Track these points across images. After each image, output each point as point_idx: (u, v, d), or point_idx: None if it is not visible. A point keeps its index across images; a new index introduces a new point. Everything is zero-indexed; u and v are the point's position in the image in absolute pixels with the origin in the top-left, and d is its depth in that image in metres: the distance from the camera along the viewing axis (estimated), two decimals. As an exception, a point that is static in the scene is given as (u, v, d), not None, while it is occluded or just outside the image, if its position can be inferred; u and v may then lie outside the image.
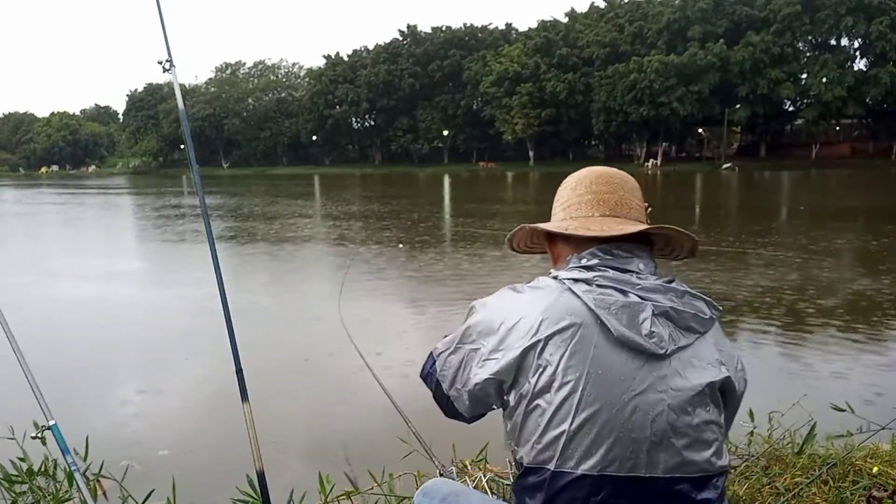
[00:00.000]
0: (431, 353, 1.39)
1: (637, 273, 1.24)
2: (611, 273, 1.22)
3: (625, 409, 1.13)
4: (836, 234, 14.23)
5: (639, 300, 1.18)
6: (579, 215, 1.33)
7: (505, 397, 1.24)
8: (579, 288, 1.19)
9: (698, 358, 1.20)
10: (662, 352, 1.16)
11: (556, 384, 1.15)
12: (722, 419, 1.24)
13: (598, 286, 1.19)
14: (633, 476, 1.15)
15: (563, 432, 1.14)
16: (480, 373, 1.24)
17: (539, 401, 1.17)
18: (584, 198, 1.34)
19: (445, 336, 1.40)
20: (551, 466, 1.16)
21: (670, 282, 1.25)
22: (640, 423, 1.14)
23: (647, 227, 1.31)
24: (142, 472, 3.06)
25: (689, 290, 1.25)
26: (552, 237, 1.39)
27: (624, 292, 1.19)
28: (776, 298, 8.00)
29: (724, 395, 1.25)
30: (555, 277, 1.26)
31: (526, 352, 1.17)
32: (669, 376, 1.16)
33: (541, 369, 1.16)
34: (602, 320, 1.15)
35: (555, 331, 1.16)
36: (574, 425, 1.14)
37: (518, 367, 1.19)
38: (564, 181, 1.41)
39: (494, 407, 1.30)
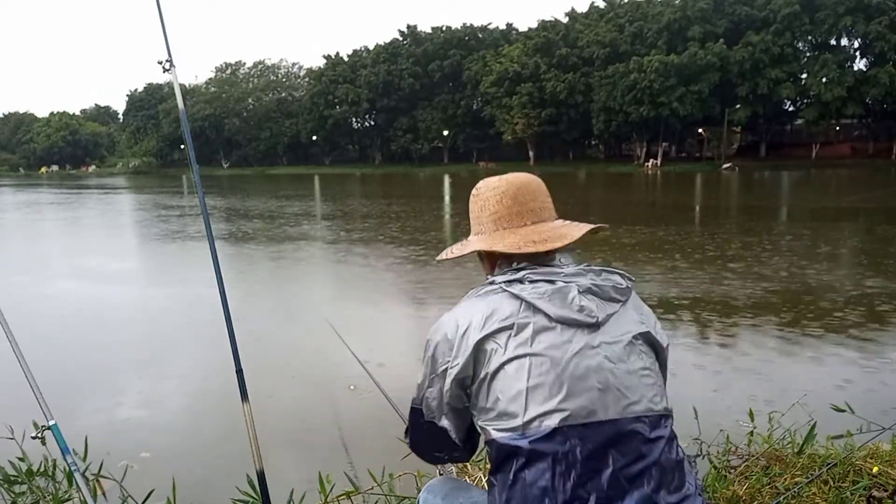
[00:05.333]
0: (412, 409, 1.50)
1: (560, 265, 1.43)
2: (539, 269, 1.41)
3: (568, 364, 1.29)
4: (838, 234, 14.23)
5: (565, 284, 1.36)
6: (513, 226, 1.48)
7: (468, 390, 1.38)
8: (515, 288, 1.37)
9: (624, 320, 1.39)
10: (594, 321, 1.33)
11: (507, 362, 1.31)
12: (657, 367, 1.41)
13: (530, 281, 1.37)
14: (592, 422, 1.28)
15: (520, 396, 1.29)
16: (447, 381, 1.38)
17: (496, 378, 1.32)
18: (512, 209, 1.49)
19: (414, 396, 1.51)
20: (518, 429, 1.28)
21: (588, 265, 1.45)
22: (583, 374, 1.29)
23: (576, 237, 1.46)
24: (142, 472, 3.06)
25: (604, 267, 1.44)
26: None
27: (552, 281, 1.37)
28: (777, 298, 8.00)
29: (652, 348, 1.42)
30: (492, 282, 1.42)
31: (478, 345, 1.33)
32: (601, 336, 1.34)
33: (492, 353, 1.32)
34: (538, 307, 1.33)
35: (500, 326, 1.33)
36: (528, 387, 1.28)
37: (474, 360, 1.34)
38: (483, 191, 1.54)
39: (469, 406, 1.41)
